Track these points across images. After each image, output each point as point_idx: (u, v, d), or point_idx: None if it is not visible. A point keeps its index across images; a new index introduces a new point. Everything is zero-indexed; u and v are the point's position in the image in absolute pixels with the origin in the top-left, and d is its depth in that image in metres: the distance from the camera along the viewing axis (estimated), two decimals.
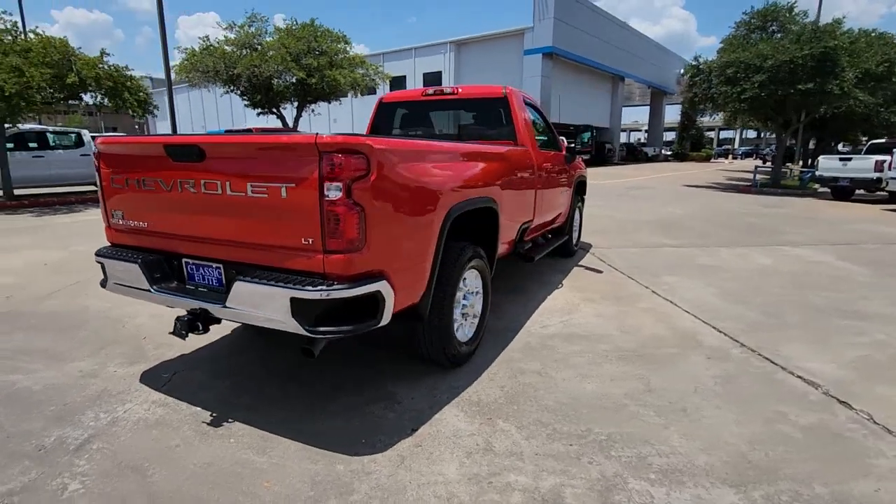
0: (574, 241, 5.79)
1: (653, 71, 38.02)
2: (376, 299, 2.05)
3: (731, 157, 54.32)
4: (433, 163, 2.39)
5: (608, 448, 2.14)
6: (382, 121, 4.56)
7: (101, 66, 10.74)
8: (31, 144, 11.63)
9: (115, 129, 44.45)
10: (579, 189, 5.78)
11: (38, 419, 2.36)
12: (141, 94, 11.87)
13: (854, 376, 2.82)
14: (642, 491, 1.88)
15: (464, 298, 2.88)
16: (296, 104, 16.96)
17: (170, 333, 2.28)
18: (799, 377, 2.81)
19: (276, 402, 2.54)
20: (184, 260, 2.34)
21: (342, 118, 40.50)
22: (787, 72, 12.65)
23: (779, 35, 14.89)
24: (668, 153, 46.08)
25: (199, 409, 2.46)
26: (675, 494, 1.85)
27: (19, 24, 10.63)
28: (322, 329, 1.95)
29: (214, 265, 2.24)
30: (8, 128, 10.50)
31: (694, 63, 15.71)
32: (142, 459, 2.06)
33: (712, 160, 44.81)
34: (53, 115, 21.51)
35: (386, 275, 2.08)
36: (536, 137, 4.34)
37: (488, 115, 4.14)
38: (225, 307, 2.11)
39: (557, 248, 5.54)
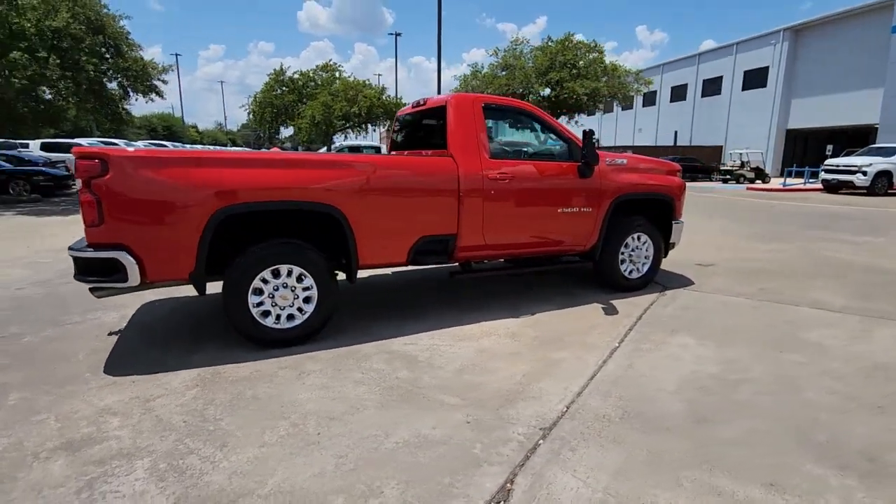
0: (634, 274, 4.62)
1: None
2: (115, 264, 2.83)
3: None
4: (193, 168, 2.90)
5: (185, 439, 2.25)
6: (398, 131, 4.98)
7: (381, 98, 14.33)
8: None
9: None
10: (637, 209, 4.58)
11: (79, 312, 4.15)
12: None
13: None
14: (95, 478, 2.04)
15: (275, 290, 3.22)
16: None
17: None
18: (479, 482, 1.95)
19: (158, 339, 3.59)
20: None
21: (647, 126, 38.47)
22: None
23: None
24: None
25: (124, 325, 3.78)
26: (105, 487, 1.93)
27: (343, 73, 15.28)
28: (79, 278, 2.89)
29: None
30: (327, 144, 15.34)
31: None
32: (60, 337, 3.48)
33: None
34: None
35: (128, 248, 2.82)
36: (498, 147, 3.94)
37: (436, 125, 4.03)
38: None
39: (602, 279, 4.63)
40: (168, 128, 55.26)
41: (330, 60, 15.68)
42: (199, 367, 3.00)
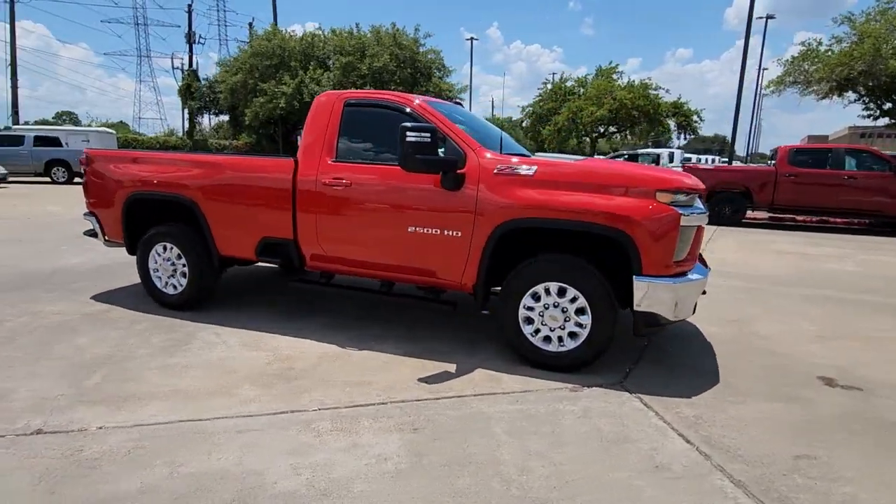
0: (550, 346, 3.06)
1: None
2: (92, 225, 4.34)
3: None
4: (113, 163, 4.05)
5: (6, 344, 3.43)
6: None
7: (639, 99, 12.61)
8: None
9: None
10: (571, 246, 2.93)
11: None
12: (694, 117, 12.81)
13: None
14: None
15: (165, 261, 4.07)
16: None
17: None
18: None
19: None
20: None
21: None
22: None
23: None
24: None
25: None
26: None
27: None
28: (85, 232, 4.55)
29: None
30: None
31: None
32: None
33: None
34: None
35: (96, 215, 4.30)
36: (355, 149, 3.45)
37: None
38: None
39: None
40: None
41: (611, 62, 14.83)
42: (113, 306, 4.20)
